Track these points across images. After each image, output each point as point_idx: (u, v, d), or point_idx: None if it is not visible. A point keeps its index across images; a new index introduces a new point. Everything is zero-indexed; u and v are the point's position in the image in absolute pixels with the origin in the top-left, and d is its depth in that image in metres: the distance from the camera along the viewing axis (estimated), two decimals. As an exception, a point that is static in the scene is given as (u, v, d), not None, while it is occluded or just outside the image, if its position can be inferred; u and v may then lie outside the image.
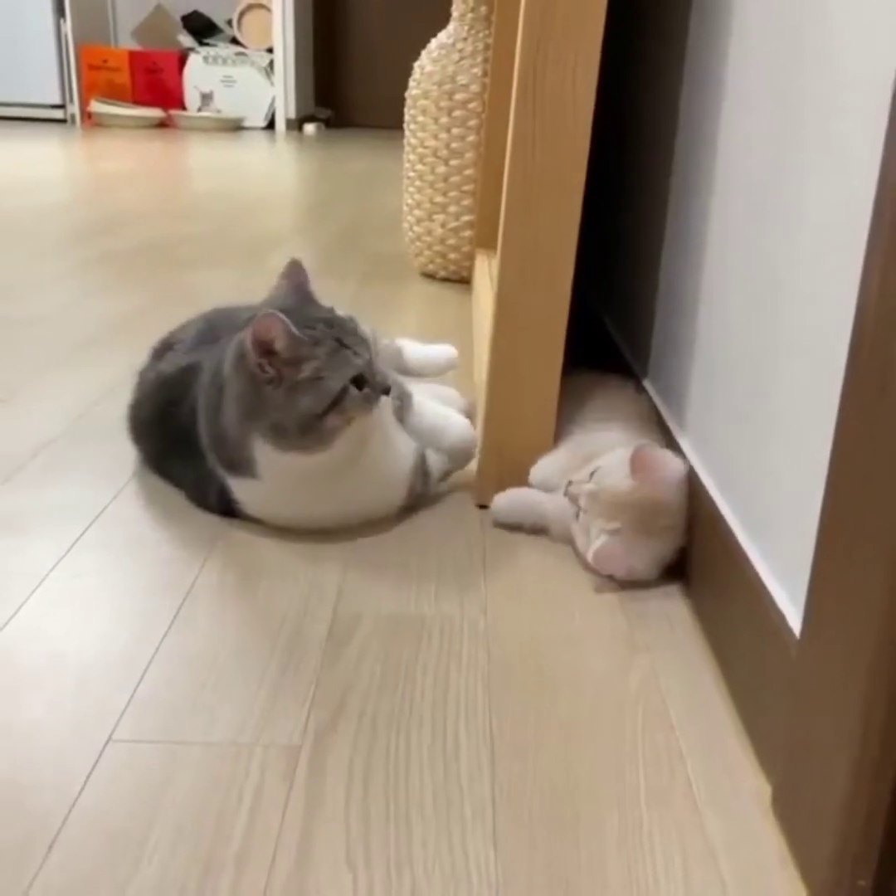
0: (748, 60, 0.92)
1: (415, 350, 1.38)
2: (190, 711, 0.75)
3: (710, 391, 0.98)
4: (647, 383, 1.27)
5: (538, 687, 0.81)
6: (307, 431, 0.94)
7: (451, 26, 2.18)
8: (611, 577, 0.98)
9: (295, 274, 1.03)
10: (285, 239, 2.69)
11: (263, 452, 0.96)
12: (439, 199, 2.18)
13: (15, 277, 2.14)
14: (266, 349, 0.93)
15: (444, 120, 2.14)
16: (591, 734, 0.75)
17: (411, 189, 2.24)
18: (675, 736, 0.75)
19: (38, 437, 1.26)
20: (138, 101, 6.18)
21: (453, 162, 2.15)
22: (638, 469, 0.96)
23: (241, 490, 1.03)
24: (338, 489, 1.02)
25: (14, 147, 4.82)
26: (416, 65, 2.19)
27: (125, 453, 1.21)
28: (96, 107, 6.03)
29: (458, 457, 1.15)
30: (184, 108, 6.27)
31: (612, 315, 1.64)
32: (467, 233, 2.18)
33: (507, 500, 1.08)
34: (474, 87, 2.10)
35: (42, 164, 4.27)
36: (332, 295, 1.08)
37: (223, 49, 6.30)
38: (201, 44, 6.36)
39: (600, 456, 1.01)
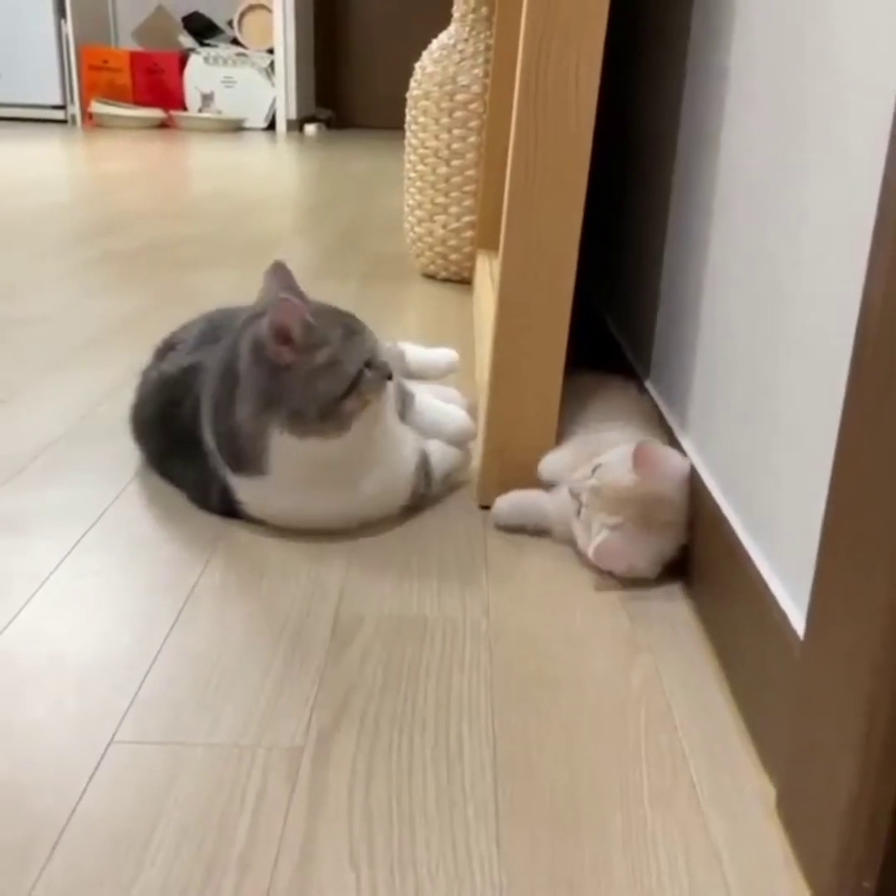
0: (750, 60, 0.92)
1: (417, 353, 1.40)
2: (192, 713, 0.75)
3: (712, 391, 0.98)
4: (648, 384, 1.27)
5: (541, 687, 0.81)
6: (327, 416, 0.95)
7: (452, 27, 2.18)
8: (611, 574, 0.98)
9: (282, 274, 1.04)
10: (286, 239, 2.69)
11: (281, 442, 0.96)
12: (440, 199, 2.18)
13: (16, 278, 2.14)
14: (283, 336, 0.94)
15: (445, 120, 2.13)
16: (593, 735, 0.75)
17: (412, 190, 2.24)
18: (678, 736, 0.75)
19: (40, 438, 1.26)
20: (139, 102, 6.19)
21: (454, 162, 2.15)
22: (640, 464, 0.96)
23: (246, 489, 1.02)
24: (343, 486, 1.02)
25: (15, 148, 4.82)
26: (418, 65, 2.19)
27: (127, 454, 1.21)
28: (97, 107, 6.03)
29: (459, 442, 1.18)
30: (184, 108, 6.27)
31: (613, 315, 1.64)
32: (468, 233, 2.18)
33: (508, 503, 1.08)
34: (475, 88, 2.10)
35: (43, 164, 4.28)
36: (332, 296, 1.08)
37: (224, 50, 6.30)
38: (202, 44, 6.36)
39: (604, 453, 1.01)
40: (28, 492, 1.12)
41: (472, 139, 2.12)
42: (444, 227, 2.19)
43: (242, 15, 6.27)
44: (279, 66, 6.23)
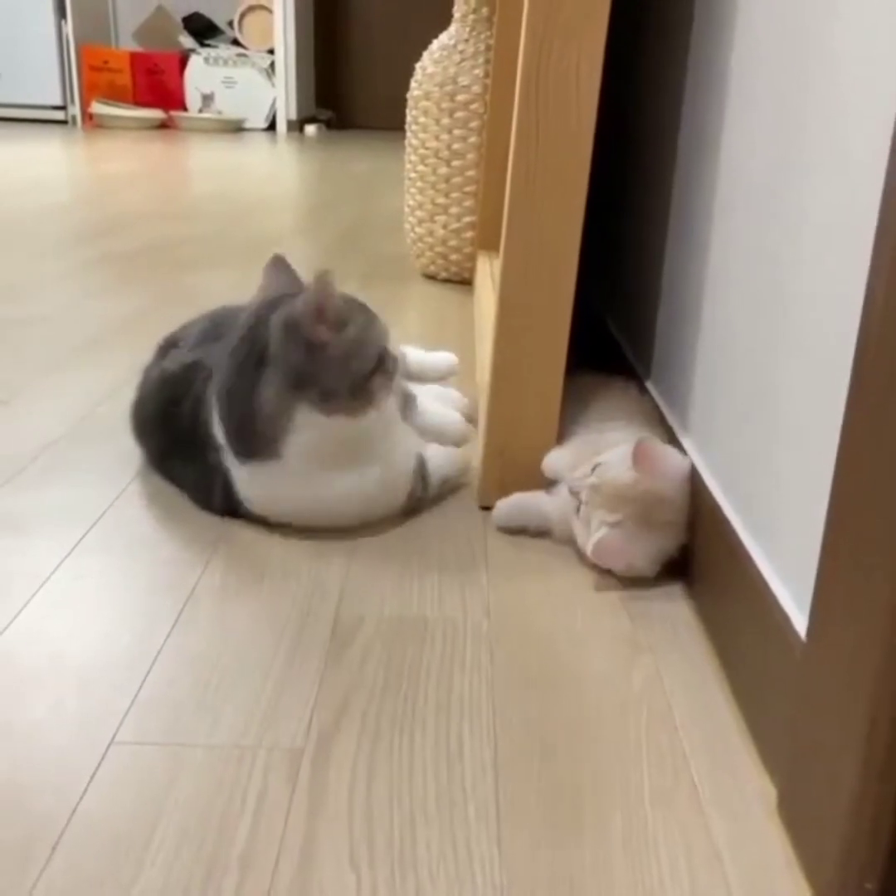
0: (752, 61, 0.92)
1: (417, 356, 1.41)
2: (193, 713, 0.75)
3: (713, 392, 0.98)
4: (649, 384, 1.27)
5: (541, 688, 0.81)
6: (356, 393, 0.98)
7: (452, 27, 2.18)
8: (611, 574, 0.98)
9: (282, 267, 1.07)
10: (286, 240, 2.69)
11: (307, 420, 0.97)
12: (441, 200, 2.18)
13: (16, 278, 2.14)
14: (320, 315, 0.96)
15: (445, 121, 2.13)
16: (594, 735, 0.75)
17: (413, 190, 2.24)
18: (679, 737, 0.75)
19: (40, 438, 1.26)
20: (139, 103, 6.19)
21: (455, 163, 2.15)
22: (639, 461, 0.96)
23: (254, 478, 1.02)
24: (351, 472, 1.02)
25: (15, 148, 4.82)
26: (418, 66, 2.19)
27: (127, 454, 1.21)
28: (97, 108, 6.04)
29: (456, 445, 1.20)
30: (185, 109, 6.27)
31: (614, 316, 1.64)
32: (469, 234, 2.17)
33: (508, 505, 1.08)
34: (476, 88, 2.10)
35: (43, 165, 4.28)
36: (334, 296, 1.08)
37: (224, 50, 6.30)
38: (202, 45, 6.37)
39: (605, 452, 1.01)
40: (28, 492, 1.12)
41: (472, 139, 2.12)
42: (444, 227, 2.19)
43: (243, 15, 6.28)
44: (279, 67, 6.23)
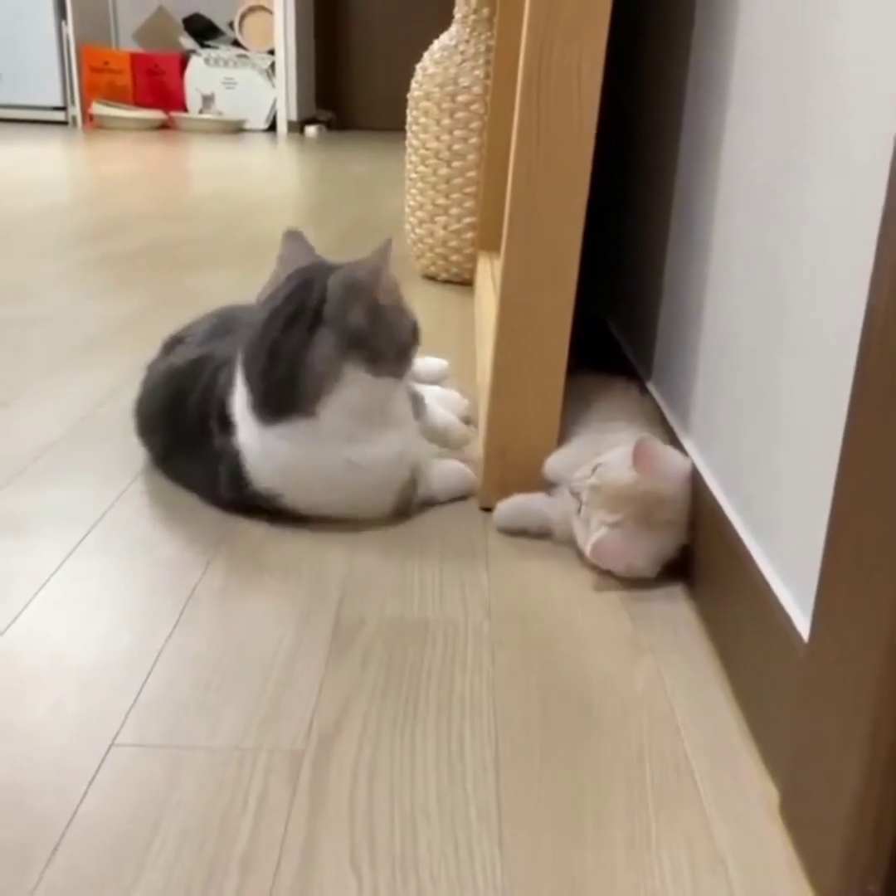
0: (753, 61, 0.92)
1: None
2: (193, 715, 0.75)
3: (714, 392, 0.98)
4: (650, 385, 1.27)
5: (543, 689, 0.80)
6: (401, 357, 1.04)
7: (453, 28, 2.18)
8: (610, 574, 0.98)
9: (299, 240, 1.10)
10: (287, 241, 2.68)
11: (355, 378, 0.99)
12: (441, 200, 2.18)
13: (16, 279, 2.13)
14: (380, 279, 1.01)
15: (446, 122, 2.13)
16: (596, 737, 0.75)
17: (413, 191, 2.24)
18: (681, 738, 0.75)
19: (41, 439, 1.26)
20: (140, 104, 6.19)
21: (455, 164, 2.15)
22: (639, 460, 0.96)
23: (278, 442, 1.01)
24: (372, 446, 1.03)
25: (15, 149, 4.83)
26: (418, 66, 2.19)
27: (127, 455, 1.21)
28: (98, 109, 6.04)
29: (458, 444, 1.23)
30: (185, 110, 6.28)
31: (615, 316, 1.64)
32: (469, 235, 2.17)
33: (509, 508, 1.08)
34: (476, 89, 2.10)
35: (43, 166, 4.28)
36: (335, 296, 1.08)
37: (224, 51, 6.31)
38: (203, 46, 6.37)
39: (606, 453, 1.01)
40: (29, 493, 1.12)
41: (473, 140, 2.12)
42: (445, 228, 2.19)
43: (243, 16, 6.28)
44: (280, 68, 6.23)
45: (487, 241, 2.07)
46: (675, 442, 1.07)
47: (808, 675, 0.64)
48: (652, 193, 1.35)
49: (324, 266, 1.04)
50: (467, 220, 2.16)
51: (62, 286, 2.10)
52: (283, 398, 1.00)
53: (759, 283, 0.85)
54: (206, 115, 6.24)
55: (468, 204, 2.16)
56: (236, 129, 6.25)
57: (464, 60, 2.12)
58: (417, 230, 2.24)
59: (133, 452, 1.21)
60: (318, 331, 0.99)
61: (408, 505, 1.09)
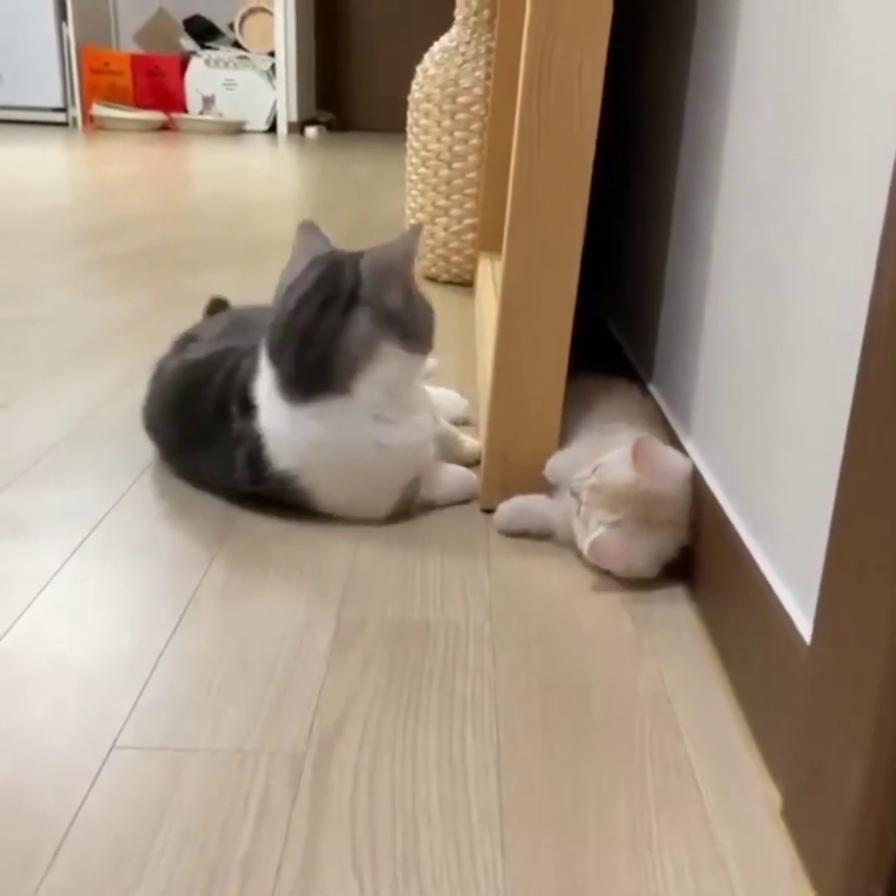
0: (754, 62, 0.91)
1: None
2: (194, 717, 0.75)
3: (715, 394, 0.98)
4: (651, 386, 1.27)
5: (545, 691, 0.80)
6: (429, 336, 1.07)
7: (453, 29, 2.18)
8: (611, 574, 0.98)
9: (314, 230, 1.11)
10: (287, 242, 2.67)
11: (389, 353, 1.02)
12: (442, 202, 2.18)
13: (16, 280, 2.13)
14: (412, 260, 1.05)
15: (447, 123, 2.13)
16: (598, 740, 0.75)
17: (414, 192, 2.24)
18: (683, 741, 0.75)
19: (41, 441, 1.26)
20: (140, 105, 6.19)
21: (456, 165, 2.15)
22: (638, 459, 0.96)
23: (308, 422, 1.02)
24: (398, 428, 1.05)
25: (16, 150, 4.83)
26: (419, 68, 2.19)
27: (129, 456, 1.21)
28: (98, 110, 6.04)
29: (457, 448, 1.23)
30: (185, 111, 6.27)
31: (616, 318, 1.64)
32: (470, 236, 2.17)
33: (510, 509, 1.08)
34: (477, 90, 2.10)
35: (44, 167, 4.28)
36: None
37: (225, 52, 6.31)
38: (203, 47, 6.37)
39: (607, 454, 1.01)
40: (30, 494, 1.11)
41: (473, 141, 2.12)
42: (445, 229, 2.19)
43: (243, 18, 6.28)
44: (280, 69, 6.23)
45: (488, 242, 2.07)
46: (676, 443, 1.07)
47: (809, 677, 0.64)
48: (653, 194, 1.35)
49: (346, 252, 1.07)
50: (468, 221, 2.16)
51: (62, 287, 2.10)
52: (316, 378, 1.02)
53: (760, 284, 0.85)
54: (206, 117, 6.24)
55: (469, 205, 2.16)
56: (237, 130, 6.25)
57: (464, 62, 2.12)
58: (418, 231, 2.24)
59: (134, 453, 1.21)
60: (354, 311, 1.02)
61: (408, 505, 1.09)
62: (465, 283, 2.23)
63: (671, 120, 1.25)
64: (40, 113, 6.09)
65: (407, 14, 6.38)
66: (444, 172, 2.16)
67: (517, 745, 0.74)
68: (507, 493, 1.09)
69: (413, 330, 1.04)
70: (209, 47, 6.37)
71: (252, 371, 1.07)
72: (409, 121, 2.22)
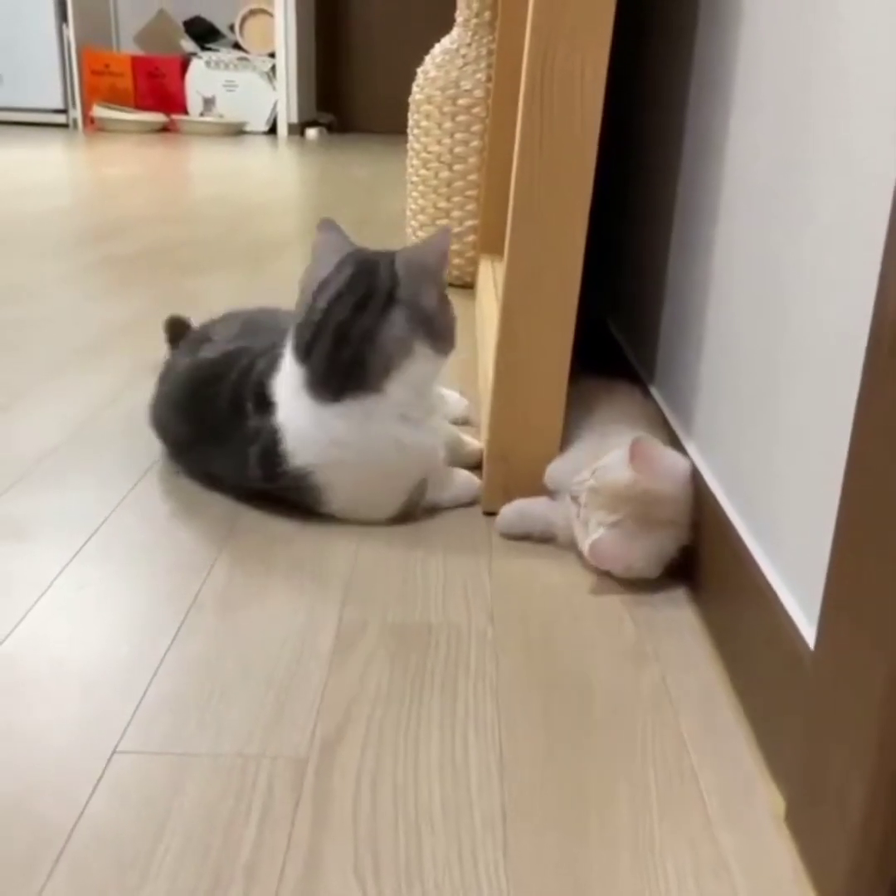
0: (756, 62, 0.91)
1: None
2: (196, 722, 0.75)
3: (717, 396, 0.98)
4: (653, 388, 1.27)
5: (547, 695, 0.80)
6: (454, 337, 1.09)
7: (454, 31, 2.18)
8: (613, 576, 0.97)
9: (334, 227, 1.12)
10: (288, 244, 2.69)
11: (420, 354, 1.04)
12: (443, 204, 2.18)
13: (17, 281, 2.13)
14: (446, 261, 1.08)
15: (447, 125, 2.13)
16: (601, 744, 0.75)
17: (415, 194, 2.24)
18: (686, 745, 0.75)
19: (42, 444, 1.26)
20: (141, 106, 6.19)
21: (457, 167, 2.15)
22: (636, 459, 0.96)
23: (335, 420, 1.03)
24: (421, 431, 1.07)
25: (16, 152, 4.82)
26: (420, 70, 2.18)
27: (130, 458, 1.21)
28: (99, 112, 6.04)
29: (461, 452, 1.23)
30: (186, 112, 6.28)
31: (616, 318, 1.64)
32: (471, 238, 2.17)
33: (512, 512, 1.08)
34: (478, 93, 2.10)
35: (44, 168, 4.28)
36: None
37: (225, 54, 6.31)
38: (203, 49, 6.37)
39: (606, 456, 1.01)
40: (31, 497, 1.11)
41: (474, 143, 2.12)
42: (446, 231, 2.19)
43: (244, 19, 6.28)
44: (280, 70, 6.23)
45: (489, 244, 2.07)
46: (677, 445, 1.07)
47: (813, 683, 0.64)
48: (654, 195, 1.35)
49: (377, 251, 1.08)
50: (469, 223, 2.16)
51: (62, 288, 2.09)
52: (350, 376, 1.03)
53: (761, 285, 0.85)
54: (206, 118, 6.24)
55: (470, 207, 2.16)
56: (237, 131, 6.25)
57: (465, 64, 2.12)
58: (419, 233, 2.24)
59: (135, 455, 1.21)
60: (390, 312, 1.03)
61: (414, 507, 1.10)
62: (465, 285, 2.23)
63: (672, 120, 1.25)
64: (41, 114, 6.09)
65: (407, 15, 6.39)
66: (445, 174, 2.16)
67: (519, 747, 0.74)
68: (508, 496, 1.09)
69: (442, 331, 1.06)
70: (209, 49, 6.37)
71: (269, 369, 1.08)
72: (410, 122, 2.22)
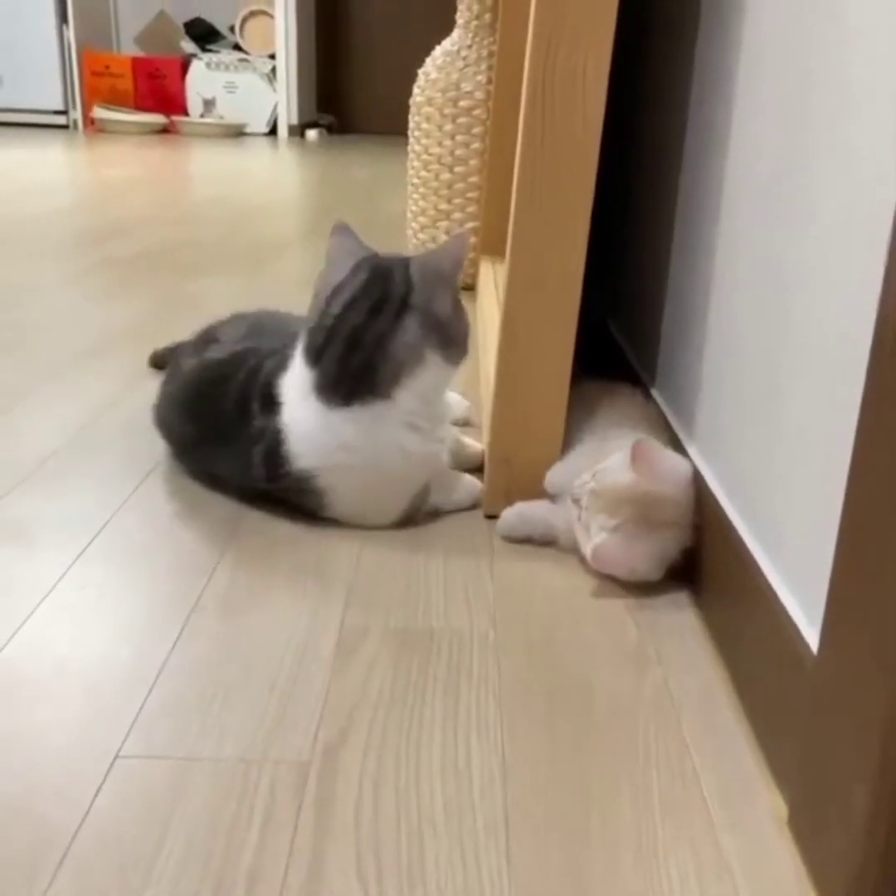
0: (758, 62, 0.91)
1: None
2: (198, 726, 0.75)
3: (719, 398, 0.98)
4: (654, 391, 1.27)
5: (549, 699, 0.80)
6: (465, 345, 1.07)
7: (455, 33, 2.18)
8: (613, 579, 0.97)
9: (348, 231, 1.10)
10: (288, 245, 2.69)
11: (432, 361, 1.04)
12: (443, 206, 2.18)
13: (17, 282, 2.13)
14: (461, 268, 1.07)
15: (448, 127, 2.13)
16: (603, 748, 0.75)
17: (415, 196, 2.24)
18: (688, 749, 0.75)
19: (43, 446, 1.26)
20: (141, 107, 6.19)
21: (457, 169, 2.15)
22: (637, 460, 0.95)
23: (341, 426, 1.02)
24: (429, 441, 1.07)
25: (16, 152, 4.82)
26: (421, 72, 2.18)
27: (131, 460, 1.20)
28: (99, 113, 6.04)
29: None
30: (186, 114, 6.27)
31: (618, 321, 1.63)
32: (471, 240, 2.17)
33: (513, 515, 1.08)
34: (479, 94, 2.10)
35: (44, 169, 4.28)
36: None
37: (226, 55, 6.30)
38: (204, 50, 6.37)
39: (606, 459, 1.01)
40: (32, 500, 1.11)
41: (475, 145, 2.12)
42: (447, 233, 2.19)
43: (244, 20, 6.28)
44: (281, 72, 6.23)
45: (489, 246, 2.07)
46: (679, 448, 1.07)
47: (815, 685, 0.64)
48: (656, 195, 1.35)
49: (390, 256, 1.07)
50: (469, 225, 2.16)
51: (63, 289, 2.09)
52: (360, 382, 1.02)
53: (763, 286, 0.85)
54: (207, 119, 6.24)
55: (470, 209, 2.16)
56: (237, 133, 6.25)
57: (466, 66, 2.12)
58: (419, 235, 2.24)
59: (136, 457, 1.21)
60: (404, 318, 1.02)
61: (416, 512, 1.10)
62: (466, 287, 2.22)
63: (675, 120, 1.25)
64: (41, 115, 6.09)
65: (407, 16, 6.38)
66: (446, 176, 2.16)
67: (521, 750, 0.74)
68: (510, 499, 1.09)
69: (455, 338, 1.05)
70: (210, 50, 6.37)
71: (277, 370, 1.08)
72: (411, 124, 2.22)
